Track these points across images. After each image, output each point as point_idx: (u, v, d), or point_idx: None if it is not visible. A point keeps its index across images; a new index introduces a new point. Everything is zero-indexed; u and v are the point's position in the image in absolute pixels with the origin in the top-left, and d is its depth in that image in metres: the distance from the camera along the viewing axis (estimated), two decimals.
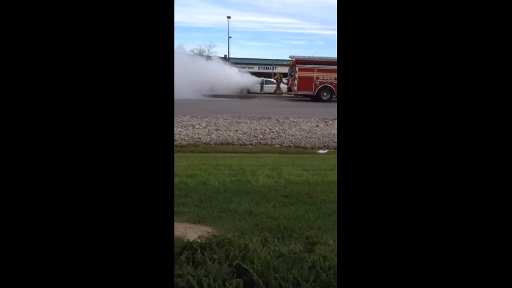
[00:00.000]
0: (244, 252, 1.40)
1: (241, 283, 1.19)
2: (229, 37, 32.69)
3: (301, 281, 1.22)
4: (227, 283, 1.17)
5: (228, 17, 32.60)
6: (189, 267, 1.26)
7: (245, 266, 1.30)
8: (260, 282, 1.23)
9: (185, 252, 1.37)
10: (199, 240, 1.56)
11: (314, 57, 18.80)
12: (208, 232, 2.66)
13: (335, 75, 17.77)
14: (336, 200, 3.57)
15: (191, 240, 1.60)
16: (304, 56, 19.07)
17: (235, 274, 1.26)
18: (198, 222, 2.92)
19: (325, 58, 18.64)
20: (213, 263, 1.29)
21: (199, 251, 1.37)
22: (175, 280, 1.18)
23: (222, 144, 8.85)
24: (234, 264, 1.31)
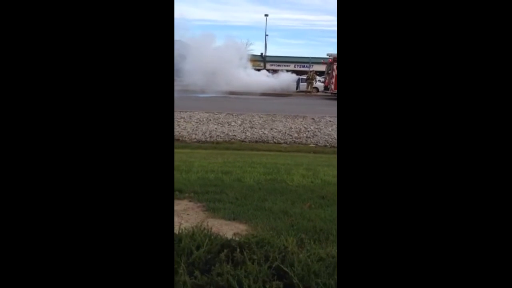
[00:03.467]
0: (283, 254, 1.36)
1: (281, 286, 1.16)
2: (266, 35, 32.71)
3: None
4: (267, 285, 1.15)
5: (266, 15, 32.67)
6: (228, 266, 1.25)
7: (285, 269, 1.27)
8: (301, 287, 1.20)
9: (224, 250, 1.37)
10: (237, 239, 1.55)
11: None
12: (243, 230, 2.65)
13: None
14: None
15: (229, 238, 1.59)
16: None
17: (275, 276, 1.23)
18: (234, 219, 2.93)
19: None
20: (253, 263, 1.27)
21: (238, 250, 1.36)
22: (216, 278, 1.17)
23: (256, 142, 8.87)
24: (274, 266, 1.28)
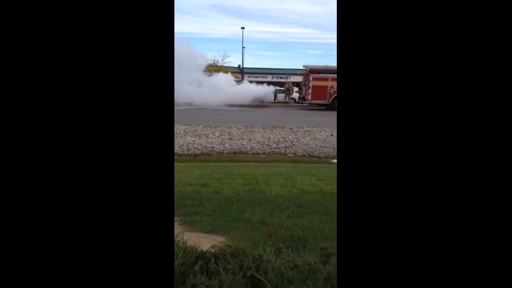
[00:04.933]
0: (258, 262, 1.38)
1: None
2: (243, 47, 33.10)
3: None
4: None
5: (242, 28, 33.01)
6: (203, 277, 1.26)
7: (259, 277, 1.28)
8: None
9: (199, 262, 1.37)
10: (213, 250, 1.56)
11: (328, 66, 18.79)
12: (221, 242, 2.64)
13: None
14: None
15: (204, 250, 1.59)
16: (318, 66, 19.09)
17: (249, 285, 1.25)
18: (211, 232, 2.92)
19: None
20: (227, 273, 1.28)
21: (212, 261, 1.36)
22: None
23: (235, 153, 8.87)
24: (248, 274, 1.30)
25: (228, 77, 22.79)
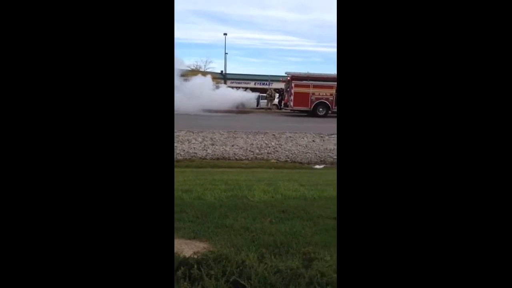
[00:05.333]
0: (241, 268, 1.38)
1: None
2: (226, 53, 33.18)
3: None
4: None
5: (225, 34, 33.16)
6: (186, 283, 1.25)
7: (242, 282, 1.29)
8: None
9: (182, 268, 1.35)
10: (196, 256, 1.55)
11: (310, 74, 19.09)
12: (204, 248, 2.62)
13: (330, 91, 18.02)
14: (333, 216, 3.56)
15: (187, 256, 1.58)
16: (300, 73, 19.36)
17: None
18: (194, 238, 2.89)
19: (320, 74, 18.94)
20: (210, 279, 1.27)
21: (195, 266, 1.36)
22: None
23: (218, 159, 8.84)
24: (231, 280, 1.30)
25: (208, 82, 22.49)
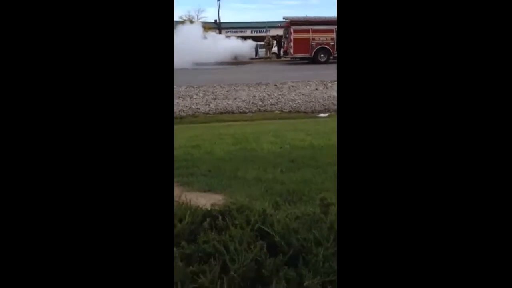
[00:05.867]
0: (263, 216, 1.44)
1: (265, 245, 1.24)
2: (218, 1, 31.38)
3: (322, 241, 1.27)
4: (251, 246, 1.22)
5: None
6: (213, 233, 1.31)
7: (266, 229, 1.35)
8: (283, 243, 1.29)
9: (207, 219, 1.42)
10: (218, 208, 1.61)
11: (309, 18, 18.19)
12: (220, 200, 2.72)
13: (331, 35, 17.28)
14: None
15: (209, 209, 1.64)
16: (298, 17, 18.44)
17: (258, 237, 1.31)
18: (209, 191, 2.98)
19: (320, 18, 18.01)
20: (236, 228, 1.33)
21: (220, 218, 1.42)
22: (202, 246, 1.23)
23: (221, 113, 8.82)
24: (256, 228, 1.36)
25: (198, 31, 21.18)
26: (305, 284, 1.12)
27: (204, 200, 2.70)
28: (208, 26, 26.48)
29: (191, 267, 1.13)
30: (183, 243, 1.22)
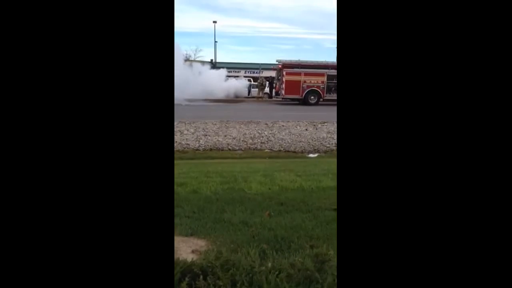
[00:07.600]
0: (251, 275, 1.27)
1: None
2: (215, 42, 32.59)
3: None
4: None
5: (214, 22, 32.58)
6: None
7: None
8: None
9: (186, 278, 1.24)
10: (199, 262, 1.43)
11: (301, 61, 18.89)
12: (202, 246, 2.51)
13: (322, 78, 17.91)
14: (332, 207, 3.49)
15: (189, 262, 1.46)
16: (291, 60, 19.14)
17: None
18: (191, 235, 2.77)
19: (312, 62, 18.75)
20: None
21: (201, 277, 1.24)
22: None
23: (211, 149, 8.69)
24: None
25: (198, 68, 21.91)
26: None
27: (185, 246, 2.49)
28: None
29: None
30: None
